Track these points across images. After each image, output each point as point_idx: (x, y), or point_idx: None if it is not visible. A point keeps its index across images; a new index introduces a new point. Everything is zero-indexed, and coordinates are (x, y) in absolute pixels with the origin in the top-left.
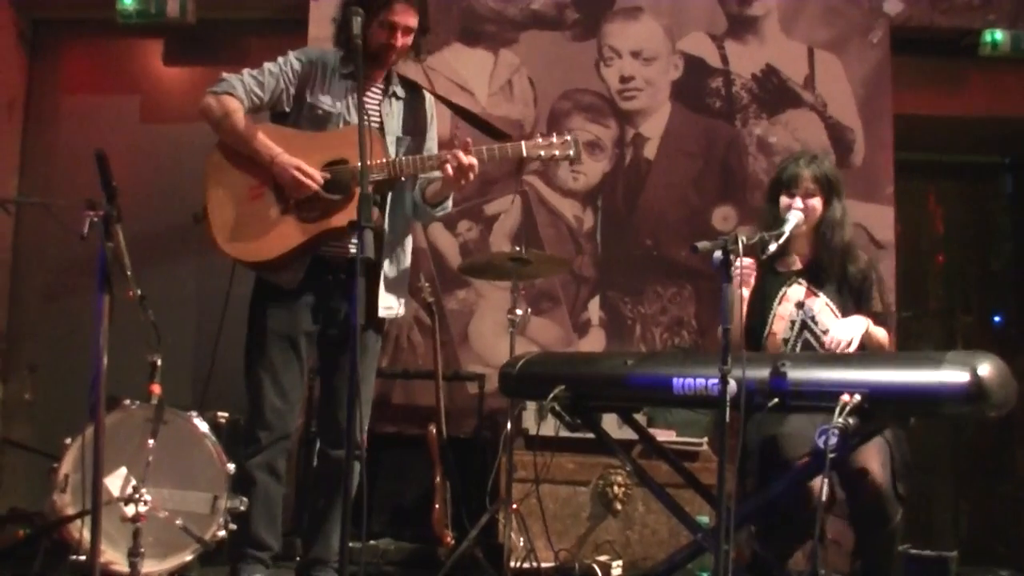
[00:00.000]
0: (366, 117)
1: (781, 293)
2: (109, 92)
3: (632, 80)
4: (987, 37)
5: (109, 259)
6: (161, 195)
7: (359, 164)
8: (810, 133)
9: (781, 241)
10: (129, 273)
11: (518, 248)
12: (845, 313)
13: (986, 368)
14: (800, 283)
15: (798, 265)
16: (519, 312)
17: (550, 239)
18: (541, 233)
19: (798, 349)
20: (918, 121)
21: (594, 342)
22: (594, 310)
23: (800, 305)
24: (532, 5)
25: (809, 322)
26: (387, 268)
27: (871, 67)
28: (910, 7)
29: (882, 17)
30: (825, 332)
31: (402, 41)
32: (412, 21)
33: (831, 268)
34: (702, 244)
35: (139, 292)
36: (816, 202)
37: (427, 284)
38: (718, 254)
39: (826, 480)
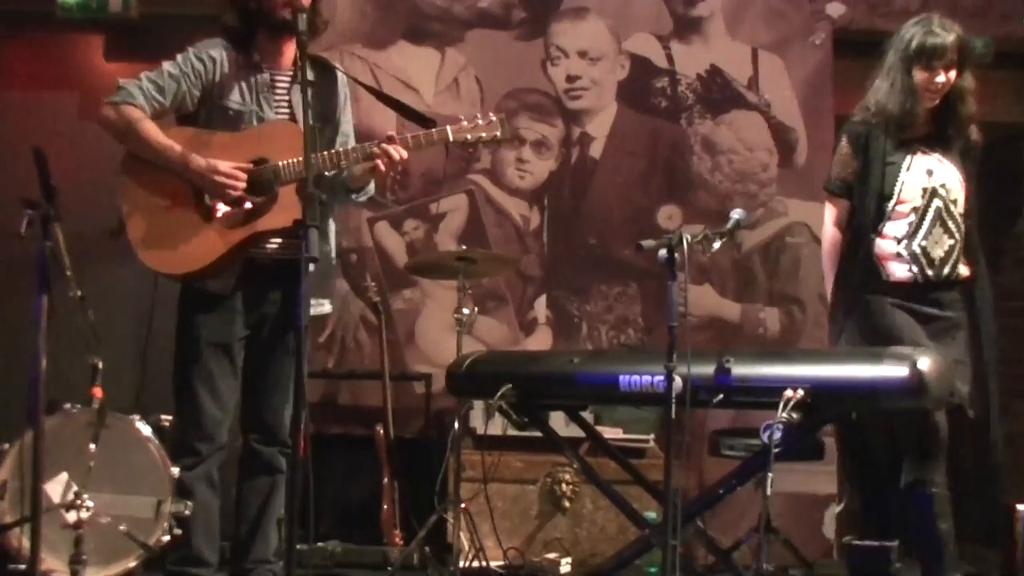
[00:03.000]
0: (275, 109)
1: (908, 161)
2: (47, 88)
3: (578, 80)
4: None
5: (48, 259)
6: (101, 193)
7: (280, 162)
8: (754, 133)
9: (724, 240)
10: (69, 273)
11: (464, 247)
12: (967, 181)
13: (925, 363)
14: (924, 151)
15: (920, 132)
16: (466, 311)
17: (497, 238)
18: (488, 232)
19: (928, 217)
20: None
21: (541, 341)
22: (540, 309)
23: (930, 172)
24: (479, 4)
25: (940, 189)
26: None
27: (813, 68)
28: (852, 10)
29: (824, 19)
30: (955, 202)
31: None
32: None
33: (955, 138)
34: (647, 242)
35: (79, 293)
36: (953, 74)
37: (373, 283)
38: (663, 252)
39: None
